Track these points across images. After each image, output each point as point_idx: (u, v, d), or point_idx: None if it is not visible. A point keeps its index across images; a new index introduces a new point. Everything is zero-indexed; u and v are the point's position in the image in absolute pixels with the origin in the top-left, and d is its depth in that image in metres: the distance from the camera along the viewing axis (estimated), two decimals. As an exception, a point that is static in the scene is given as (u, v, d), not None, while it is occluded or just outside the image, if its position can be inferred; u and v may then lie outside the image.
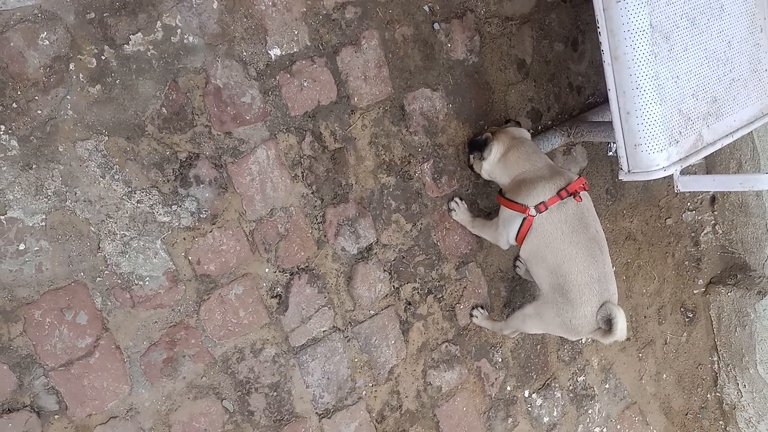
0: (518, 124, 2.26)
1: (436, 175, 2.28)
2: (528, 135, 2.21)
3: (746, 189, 2.16)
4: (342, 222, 2.11)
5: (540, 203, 1.99)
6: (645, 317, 3.04)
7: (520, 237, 2.06)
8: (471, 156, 2.22)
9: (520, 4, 2.37)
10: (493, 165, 2.13)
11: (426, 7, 2.15)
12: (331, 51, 1.99)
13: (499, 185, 2.17)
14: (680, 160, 2.00)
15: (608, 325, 1.98)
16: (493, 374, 2.55)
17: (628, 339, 2.95)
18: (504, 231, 2.12)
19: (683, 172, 2.07)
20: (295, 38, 1.92)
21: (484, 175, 2.19)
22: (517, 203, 2.03)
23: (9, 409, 1.65)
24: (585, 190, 2.04)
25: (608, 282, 2.03)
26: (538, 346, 2.67)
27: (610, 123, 2.36)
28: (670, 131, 1.96)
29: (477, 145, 2.16)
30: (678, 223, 3.11)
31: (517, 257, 2.53)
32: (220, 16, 1.80)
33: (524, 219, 2.02)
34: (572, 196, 1.99)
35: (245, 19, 1.84)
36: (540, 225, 2.01)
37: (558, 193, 1.99)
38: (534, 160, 2.08)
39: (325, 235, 2.08)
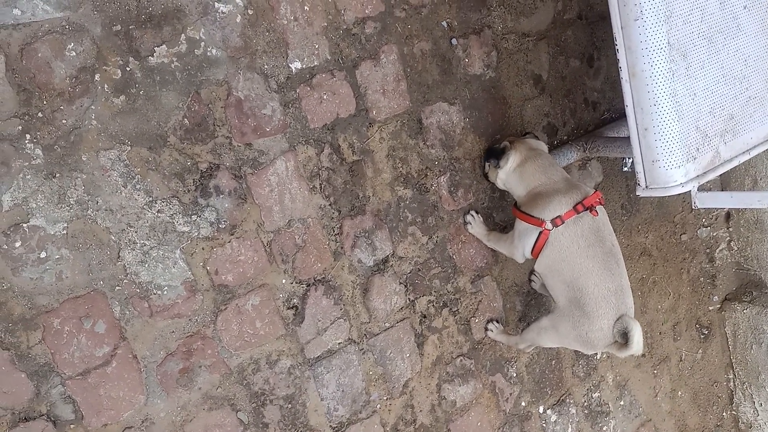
0: (536, 137, 2.25)
1: (452, 189, 2.27)
2: (545, 147, 2.19)
3: (764, 206, 2.12)
4: (359, 234, 2.09)
5: (556, 217, 1.97)
6: (660, 333, 2.99)
7: (536, 250, 2.04)
8: (486, 164, 2.20)
9: (537, 21, 2.37)
10: (508, 174, 2.11)
11: (444, 23, 2.16)
12: (350, 65, 2.00)
13: (513, 197, 2.15)
14: (698, 176, 1.98)
15: (624, 338, 1.95)
16: (507, 389, 2.51)
17: (643, 355, 2.90)
18: (520, 244, 2.09)
19: (700, 189, 2.05)
20: (316, 52, 1.93)
21: (499, 184, 2.17)
22: (533, 217, 2.01)
23: (26, 418, 1.63)
24: (601, 204, 2.02)
25: (625, 295, 2.00)
26: (553, 362, 2.63)
27: (626, 138, 2.35)
28: (687, 148, 1.94)
29: (494, 153, 2.14)
30: (693, 239, 3.07)
31: (532, 272, 2.50)
32: (243, 29, 1.80)
33: (540, 233, 2.00)
34: (588, 211, 1.97)
35: (267, 33, 1.84)
36: (556, 239, 1.98)
37: (574, 207, 1.97)
38: (550, 173, 2.06)
39: (341, 247, 2.07)
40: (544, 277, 2.11)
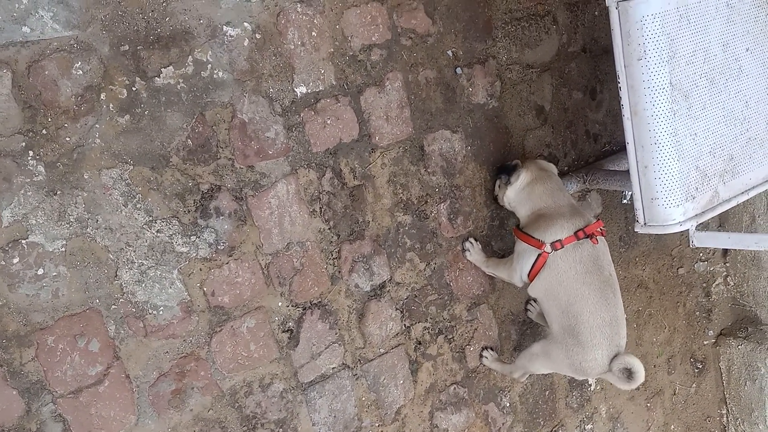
0: (547, 160, 2.27)
1: (452, 216, 2.28)
2: (555, 170, 2.21)
3: (761, 249, 2.14)
4: (357, 258, 2.10)
5: (556, 241, 1.98)
6: (654, 366, 2.99)
7: (533, 273, 2.05)
8: (497, 180, 2.22)
9: (541, 53, 2.40)
10: (517, 192, 2.12)
11: (449, 52, 2.18)
12: (355, 91, 2.01)
13: (517, 217, 2.16)
14: (696, 215, 2.00)
15: (629, 374, 1.96)
16: (500, 419, 2.50)
17: (637, 388, 2.89)
18: (518, 266, 2.10)
19: (699, 227, 2.06)
20: (322, 77, 1.95)
21: (506, 202, 2.18)
22: (533, 238, 2.02)
23: (14, 436, 1.62)
24: (602, 234, 2.04)
25: (619, 326, 2.01)
26: (547, 392, 2.62)
27: (626, 172, 2.36)
28: (687, 187, 1.96)
29: (506, 170, 2.16)
30: (690, 273, 3.09)
31: (528, 300, 2.51)
32: (250, 53, 1.82)
33: (539, 255, 2.01)
34: (589, 238, 1.98)
35: (274, 57, 1.86)
36: (554, 262, 2.00)
37: (575, 233, 1.98)
38: (557, 197, 2.08)
39: (339, 271, 2.07)
40: (540, 302, 2.12)
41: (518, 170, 2.12)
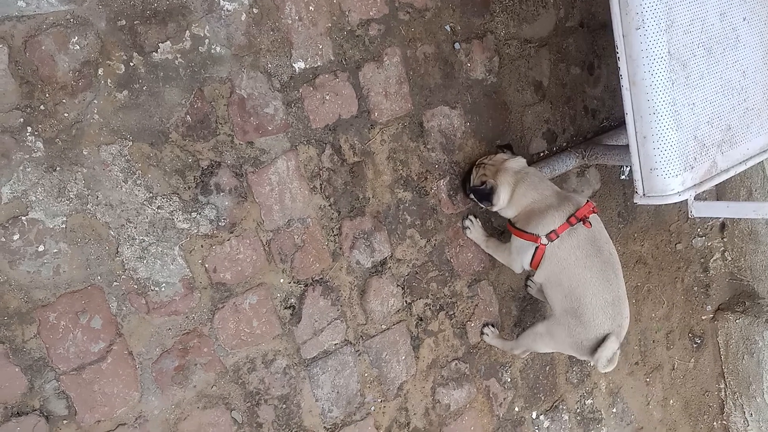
0: (510, 148, 2.20)
1: (451, 192, 2.27)
2: (524, 161, 2.12)
3: (759, 216, 2.14)
4: (358, 235, 2.09)
5: (551, 232, 1.97)
6: (653, 342, 3.00)
7: (535, 263, 2.05)
8: (471, 197, 2.18)
9: (539, 28, 2.39)
10: (503, 206, 2.09)
11: (447, 27, 2.17)
12: (353, 66, 2.00)
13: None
14: (695, 185, 1.99)
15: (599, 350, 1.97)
16: (501, 394, 2.51)
17: (636, 363, 2.91)
18: (518, 258, 2.10)
19: (696, 198, 2.06)
20: (320, 52, 1.93)
21: (496, 210, 2.15)
22: (528, 233, 2.02)
23: (18, 413, 1.61)
24: (594, 212, 2.03)
25: (622, 305, 2.01)
26: (547, 368, 2.63)
27: (624, 147, 2.36)
28: (685, 157, 1.95)
29: (483, 195, 2.08)
30: (688, 248, 3.09)
31: (528, 277, 2.51)
32: (248, 28, 1.80)
33: (537, 248, 2.01)
34: (582, 222, 1.98)
35: (272, 32, 1.84)
36: (553, 253, 1.99)
37: (568, 220, 1.97)
38: (541, 188, 2.05)
39: (340, 248, 2.06)
40: (544, 288, 2.12)
41: (496, 191, 2.05)
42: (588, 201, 2.03)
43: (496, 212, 2.34)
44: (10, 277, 1.56)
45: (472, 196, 2.19)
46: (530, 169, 2.12)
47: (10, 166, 1.53)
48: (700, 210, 2.07)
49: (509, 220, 2.12)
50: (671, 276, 3.04)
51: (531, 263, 2.06)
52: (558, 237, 1.97)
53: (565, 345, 2.10)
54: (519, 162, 2.12)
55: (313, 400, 2.06)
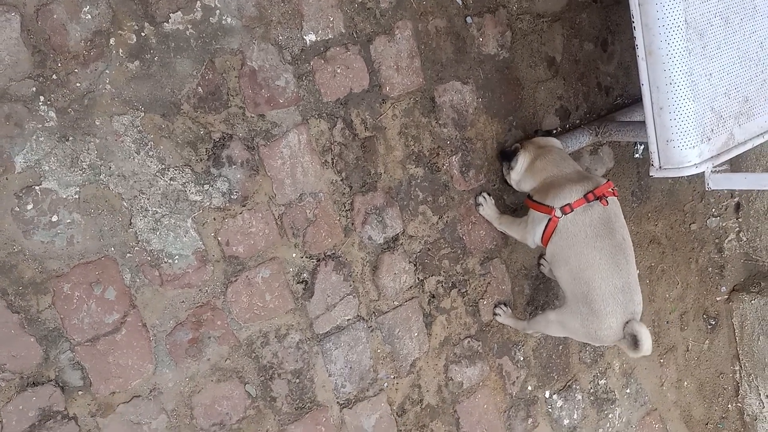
0: (548, 133, 2.20)
1: (463, 169, 2.21)
2: (557, 143, 2.15)
3: (777, 190, 2.07)
4: (370, 210, 2.04)
5: (566, 204, 1.91)
6: (667, 323, 2.91)
7: (546, 238, 1.99)
8: (503, 166, 2.18)
9: (551, 2, 2.31)
10: (520, 174, 2.09)
11: (459, 1, 2.10)
12: (365, 39, 1.94)
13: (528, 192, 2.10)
14: (712, 157, 1.92)
15: (635, 342, 1.89)
16: (514, 372, 2.45)
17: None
18: (531, 230, 2.04)
19: (713, 171, 1.98)
20: (331, 25, 1.88)
21: (514, 184, 2.14)
22: (543, 205, 1.96)
23: (34, 383, 1.58)
24: (614, 195, 1.96)
25: (633, 292, 1.93)
26: (560, 347, 2.56)
27: (638, 123, 2.29)
28: (702, 128, 1.88)
29: (506, 155, 2.14)
30: (702, 228, 3.00)
31: (541, 255, 2.44)
32: (258, -1, 1.75)
33: (549, 220, 1.94)
34: (599, 200, 1.91)
35: (282, 4, 1.79)
36: (564, 226, 1.93)
37: (585, 195, 1.90)
38: (562, 165, 2.02)
39: (352, 223, 2.01)
40: (552, 266, 2.06)
41: (517, 154, 2.09)
42: (608, 181, 1.97)
43: (508, 189, 2.28)
44: (24, 247, 1.53)
45: (504, 162, 2.20)
46: (556, 147, 2.10)
47: (23, 135, 1.50)
48: (717, 182, 1.99)
49: (528, 195, 2.06)
50: (685, 256, 2.95)
51: (542, 238, 1.99)
52: (572, 211, 1.90)
53: (579, 334, 2.04)
54: (548, 140, 2.14)
55: (326, 375, 2.02)
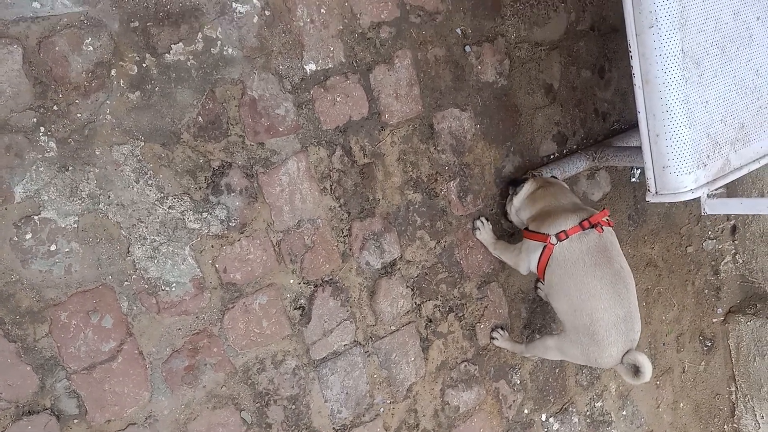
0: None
1: (461, 194, 2.21)
2: (563, 184, 2.17)
3: (773, 213, 2.07)
4: (367, 236, 2.04)
5: (561, 232, 1.90)
6: (664, 344, 2.91)
7: (541, 266, 1.98)
8: (509, 192, 2.19)
9: (549, 31, 2.33)
10: (521, 201, 2.10)
11: (458, 30, 2.11)
12: (364, 68, 1.95)
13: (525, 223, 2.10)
14: (708, 183, 1.92)
15: (636, 371, 1.91)
16: (511, 396, 2.44)
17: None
18: (525, 257, 2.04)
19: (709, 196, 1.99)
20: (331, 54, 1.88)
21: (513, 212, 2.15)
22: (539, 233, 1.96)
23: (29, 411, 1.57)
24: (609, 225, 1.96)
25: (634, 321, 1.93)
26: (557, 370, 2.55)
27: (635, 148, 2.29)
28: (698, 154, 1.88)
29: (514, 182, 2.18)
30: (698, 251, 3.00)
31: (538, 279, 2.44)
32: (260, 30, 1.76)
33: (545, 247, 1.94)
34: (594, 228, 1.90)
35: (283, 34, 1.80)
36: (560, 254, 1.92)
37: (580, 223, 1.90)
38: (560, 197, 2.03)
39: (350, 249, 2.01)
40: (550, 298, 2.04)
41: (523, 183, 2.12)
42: (604, 209, 1.98)
43: (506, 215, 2.28)
44: (22, 276, 1.52)
45: (510, 187, 2.23)
46: (560, 183, 2.13)
47: (23, 166, 1.50)
48: (713, 207, 2.00)
49: (525, 228, 2.06)
50: (682, 279, 2.94)
51: (537, 266, 1.99)
52: (567, 238, 1.90)
53: (578, 359, 2.04)
54: (558, 181, 2.17)
55: (323, 401, 2.00)
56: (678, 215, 2.88)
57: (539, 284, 2.45)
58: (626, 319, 1.90)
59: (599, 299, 1.88)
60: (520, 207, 2.11)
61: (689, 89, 1.83)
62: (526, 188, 2.09)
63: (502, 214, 2.29)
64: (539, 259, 1.97)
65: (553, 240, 1.92)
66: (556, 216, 1.95)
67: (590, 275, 1.89)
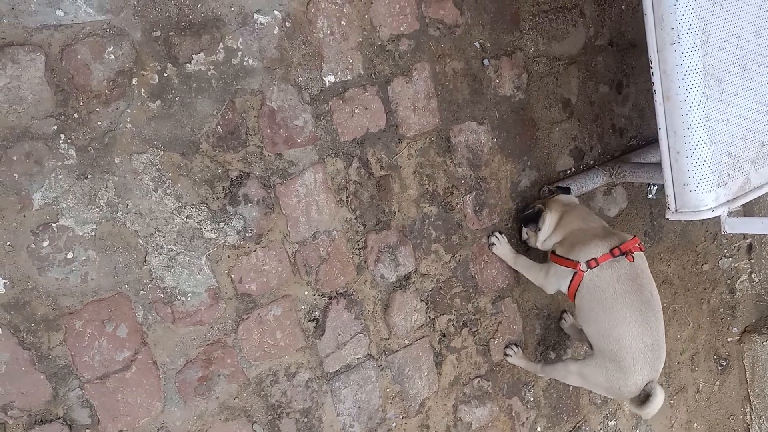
0: (568, 191, 2.16)
1: (477, 208, 2.18)
2: (577, 201, 2.10)
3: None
4: (383, 249, 2.01)
5: (591, 259, 1.86)
6: (678, 363, 2.85)
7: (572, 291, 1.93)
8: (525, 231, 2.12)
9: (568, 46, 2.30)
10: (548, 234, 2.02)
11: (477, 44, 2.09)
12: (383, 80, 1.93)
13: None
14: (728, 201, 1.89)
15: (645, 399, 1.86)
16: (524, 413, 2.38)
17: (660, 384, 2.75)
18: (555, 281, 1.99)
19: (729, 215, 1.95)
20: (350, 66, 1.87)
21: (539, 246, 2.07)
22: (568, 259, 1.91)
23: (42, 420, 1.54)
24: (640, 250, 1.91)
25: (660, 350, 1.88)
26: (571, 388, 2.50)
27: (653, 164, 2.26)
28: (719, 172, 1.85)
29: (530, 218, 2.06)
30: (714, 269, 2.94)
31: (564, 310, 2.39)
32: (280, 41, 1.75)
33: (575, 274, 1.90)
34: (625, 255, 1.86)
35: (303, 46, 1.79)
36: (591, 281, 1.87)
37: (611, 251, 1.86)
38: (588, 220, 1.97)
39: (365, 261, 1.98)
40: (580, 321, 1.99)
41: (543, 215, 2.02)
42: (634, 237, 1.91)
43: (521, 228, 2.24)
44: (38, 284, 1.50)
45: (522, 225, 2.14)
46: (581, 206, 2.06)
47: (43, 173, 1.48)
48: (733, 226, 1.96)
49: (552, 251, 2.01)
50: (697, 297, 2.89)
51: (568, 291, 1.94)
52: (598, 266, 1.85)
53: (598, 387, 1.97)
54: (570, 198, 2.10)
55: (335, 415, 1.97)
56: (694, 233, 2.83)
57: (564, 315, 2.40)
58: (654, 348, 1.85)
59: (628, 326, 1.84)
60: (547, 240, 2.03)
61: (710, 107, 1.80)
62: (549, 221, 2.01)
63: (514, 220, 2.24)
64: (569, 284, 1.93)
65: (584, 267, 1.87)
66: (586, 243, 1.89)
67: (620, 303, 1.84)
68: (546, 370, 2.18)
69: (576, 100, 2.35)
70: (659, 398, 1.84)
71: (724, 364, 3.06)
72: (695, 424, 2.97)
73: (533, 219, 2.04)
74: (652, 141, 2.54)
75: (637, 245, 1.89)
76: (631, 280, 1.85)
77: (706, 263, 2.90)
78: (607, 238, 1.90)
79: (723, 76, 1.82)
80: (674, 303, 2.79)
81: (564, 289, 1.96)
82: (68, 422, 1.57)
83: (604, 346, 1.89)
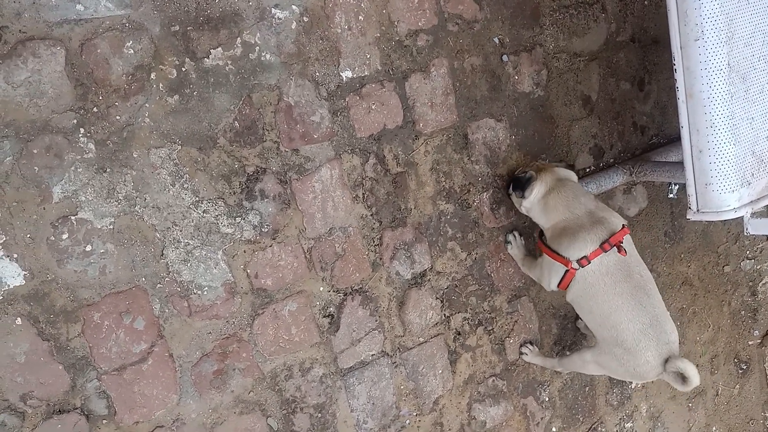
0: (570, 167, 2.10)
1: (494, 206, 2.14)
2: (575, 177, 1.99)
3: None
4: (398, 246, 1.98)
5: (582, 258, 1.82)
6: (697, 366, 2.77)
7: (563, 285, 1.90)
8: (510, 191, 2.05)
9: (589, 42, 2.25)
10: (532, 204, 1.94)
11: (496, 39, 2.05)
12: (400, 76, 1.91)
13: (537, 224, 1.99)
14: (751, 202, 1.82)
15: (683, 379, 1.81)
16: (539, 413, 2.35)
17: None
18: (548, 276, 1.95)
19: (752, 216, 1.89)
20: (367, 62, 1.84)
21: (522, 210, 2.00)
22: (559, 255, 1.86)
23: (60, 410, 1.55)
24: (626, 232, 1.85)
25: (662, 323, 1.83)
26: (587, 388, 2.45)
27: (675, 163, 2.20)
28: (742, 172, 1.79)
29: (519, 184, 1.95)
30: (736, 271, 2.87)
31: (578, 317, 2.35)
32: (298, 36, 1.73)
33: (566, 271, 1.86)
34: (617, 249, 1.81)
35: (321, 41, 1.77)
36: (582, 278, 1.84)
37: (601, 245, 1.80)
38: (573, 207, 1.86)
39: (380, 258, 1.96)
40: (576, 309, 1.96)
41: (532, 183, 1.91)
42: (624, 226, 1.85)
43: (536, 226, 2.20)
44: (57, 276, 1.51)
45: (510, 189, 2.03)
46: (572, 183, 1.94)
47: (62, 166, 1.49)
48: (756, 227, 1.90)
49: (540, 233, 1.97)
50: (718, 299, 2.82)
51: (560, 285, 1.91)
52: (589, 263, 1.82)
53: (618, 373, 1.95)
54: (568, 172, 1.98)
55: (349, 411, 1.95)
56: (715, 233, 2.76)
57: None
58: (653, 324, 1.82)
59: (621, 312, 1.82)
60: (531, 209, 1.96)
61: (735, 105, 1.73)
62: (536, 192, 1.91)
63: (506, 194, 2.15)
64: (561, 279, 1.90)
65: (575, 266, 1.83)
66: (575, 236, 1.83)
67: (611, 293, 1.82)
68: (564, 362, 2.15)
69: (596, 97, 2.30)
70: (688, 368, 1.79)
71: (745, 367, 2.98)
72: (714, 428, 2.90)
73: (522, 186, 1.94)
74: (674, 139, 2.47)
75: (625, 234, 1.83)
76: (621, 270, 1.82)
77: (727, 264, 2.83)
78: (594, 229, 1.82)
79: (748, 73, 1.75)
80: (694, 305, 2.72)
81: (555, 283, 1.92)
82: (85, 412, 1.58)
83: (604, 334, 1.88)
